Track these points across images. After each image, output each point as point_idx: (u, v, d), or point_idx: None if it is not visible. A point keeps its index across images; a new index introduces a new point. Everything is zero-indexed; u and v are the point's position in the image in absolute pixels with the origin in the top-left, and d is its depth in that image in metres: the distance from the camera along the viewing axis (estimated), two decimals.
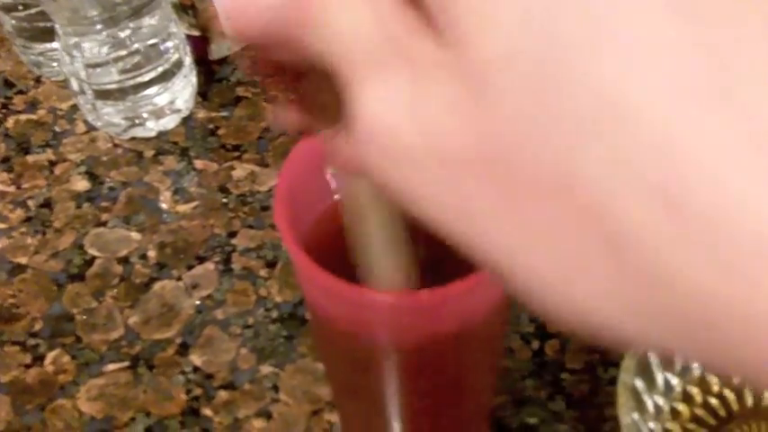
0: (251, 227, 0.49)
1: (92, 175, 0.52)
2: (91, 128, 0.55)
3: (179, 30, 0.53)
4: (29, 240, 0.49)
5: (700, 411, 0.37)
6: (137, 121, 0.53)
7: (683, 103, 0.14)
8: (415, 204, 0.17)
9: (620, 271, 0.15)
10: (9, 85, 0.58)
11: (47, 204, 0.51)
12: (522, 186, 0.15)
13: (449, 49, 0.15)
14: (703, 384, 0.37)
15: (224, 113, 0.55)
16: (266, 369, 0.42)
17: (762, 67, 0.14)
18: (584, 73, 0.14)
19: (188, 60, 0.53)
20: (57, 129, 0.55)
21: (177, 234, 0.49)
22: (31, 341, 0.45)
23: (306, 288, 0.29)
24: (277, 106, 0.21)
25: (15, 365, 0.44)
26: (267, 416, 0.41)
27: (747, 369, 0.14)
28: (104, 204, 0.51)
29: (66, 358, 0.44)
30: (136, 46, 0.50)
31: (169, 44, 0.52)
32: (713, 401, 0.37)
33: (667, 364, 0.36)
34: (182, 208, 0.50)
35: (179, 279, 0.47)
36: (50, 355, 0.44)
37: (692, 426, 0.36)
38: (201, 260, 0.47)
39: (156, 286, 0.46)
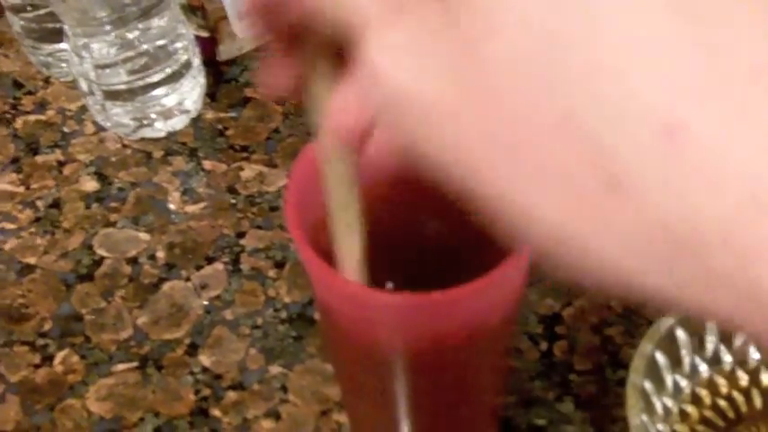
0: (259, 227, 0.49)
1: (101, 176, 0.52)
2: (100, 128, 0.55)
3: (188, 31, 0.53)
4: (38, 240, 0.49)
5: (708, 413, 0.37)
6: (145, 122, 0.53)
7: (697, 62, 0.15)
8: (420, 149, 0.18)
9: (619, 211, 0.15)
10: (18, 85, 0.58)
11: (56, 205, 0.51)
12: (524, 128, 0.16)
13: (452, 5, 0.17)
14: (712, 386, 0.37)
15: (232, 114, 0.55)
16: (275, 369, 0.43)
17: (757, 65, 0.15)
18: (583, 34, 0.15)
19: (196, 61, 0.54)
20: (66, 129, 0.55)
21: (186, 234, 0.49)
22: (41, 341, 0.45)
23: (317, 289, 0.29)
24: (273, 66, 0.23)
25: (25, 365, 0.44)
26: (276, 416, 0.41)
27: (740, 302, 0.15)
28: (113, 205, 0.51)
29: (76, 358, 0.44)
30: (145, 47, 0.51)
31: (178, 45, 0.52)
32: (722, 403, 0.37)
33: (676, 366, 0.36)
34: (190, 208, 0.50)
35: (188, 279, 0.47)
36: (59, 355, 0.44)
37: (700, 428, 0.36)
38: (210, 260, 0.47)
39: (165, 286, 0.46)
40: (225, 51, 0.57)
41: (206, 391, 0.42)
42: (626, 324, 0.43)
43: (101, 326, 0.45)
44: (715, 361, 0.37)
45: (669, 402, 0.36)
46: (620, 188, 0.15)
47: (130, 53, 0.50)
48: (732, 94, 0.14)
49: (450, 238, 0.32)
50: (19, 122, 0.56)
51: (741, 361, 0.37)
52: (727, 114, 0.14)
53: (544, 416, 0.40)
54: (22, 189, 0.52)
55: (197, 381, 0.42)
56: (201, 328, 0.44)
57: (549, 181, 0.16)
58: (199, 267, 0.47)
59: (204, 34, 0.56)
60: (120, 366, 0.43)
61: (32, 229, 0.50)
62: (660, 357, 0.35)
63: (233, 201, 0.50)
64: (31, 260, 0.48)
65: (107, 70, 0.51)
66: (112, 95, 0.52)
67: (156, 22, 0.50)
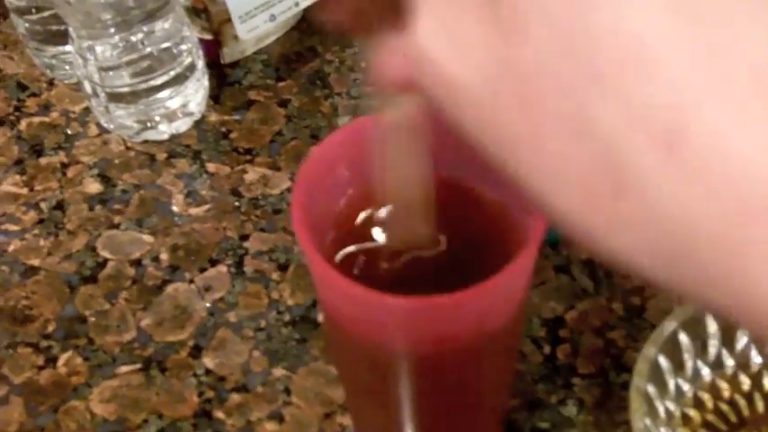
0: (263, 230, 0.49)
1: (104, 178, 0.52)
2: (103, 130, 0.55)
3: (192, 33, 0.53)
4: (41, 242, 0.49)
5: (711, 417, 0.37)
6: (149, 124, 0.53)
7: (697, 62, 0.15)
8: (457, 120, 0.19)
9: (628, 211, 0.16)
10: (22, 87, 0.59)
11: (59, 206, 0.51)
12: (545, 123, 0.17)
13: None
14: (714, 390, 0.37)
15: (236, 117, 0.55)
16: (278, 372, 0.43)
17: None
18: (607, 23, 0.15)
19: (200, 64, 0.54)
20: (69, 131, 0.55)
21: (189, 237, 0.49)
22: (44, 343, 0.45)
23: (322, 291, 0.29)
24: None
25: (28, 367, 0.44)
26: (279, 419, 0.41)
27: (739, 301, 0.15)
28: (117, 207, 0.51)
29: (79, 360, 0.44)
30: (149, 49, 0.51)
31: (182, 48, 0.52)
32: (724, 407, 0.37)
33: (678, 370, 0.36)
34: (194, 211, 0.50)
35: (191, 282, 0.47)
36: (63, 357, 0.44)
37: (702, 431, 0.36)
38: (214, 263, 0.48)
39: (169, 289, 0.47)
40: (228, 54, 0.57)
41: (209, 394, 0.42)
42: (629, 327, 0.43)
43: (104, 328, 0.45)
44: (717, 365, 0.37)
45: (672, 406, 0.36)
46: (627, 191, 0.15)
47: (134, 56, 0.51)
48: (732, 94, 0.14)
49: (454, 241, 0.32)
50: (23, 124, 0.56)
51: (743, 365, 0.37)
52: (727, 114, 0.14)
53: (547, 419, 0.40)
54: (25, 191, 0.52)
55: (200, 383, 0.43)
56: (205, 331, 0.45)
57: (565, 178, 0.17)
58: (202, 270, 0.47)
59: (208, 37, 0.56)
60: (124, 368, 0.43)
61: (36, 231, 0.50)
62: (663, 361, 0.35)
63: (236, 203, 0.50)
64: (35, 262, 0.48)
65: (111, 72, 0.51)
66: (116, 98, 0.52)
67: (160, 25, 0.50)
